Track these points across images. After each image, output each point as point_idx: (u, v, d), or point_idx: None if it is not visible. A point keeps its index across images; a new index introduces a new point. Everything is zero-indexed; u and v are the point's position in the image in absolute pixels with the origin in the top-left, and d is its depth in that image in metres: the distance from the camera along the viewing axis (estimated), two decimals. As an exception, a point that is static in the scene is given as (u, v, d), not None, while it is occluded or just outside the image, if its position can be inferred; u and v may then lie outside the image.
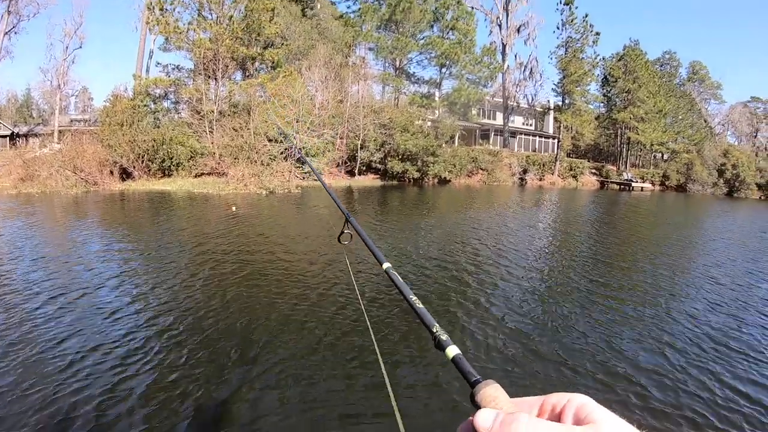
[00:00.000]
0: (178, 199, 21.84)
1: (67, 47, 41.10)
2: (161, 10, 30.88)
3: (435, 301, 8.12)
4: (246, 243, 12.28)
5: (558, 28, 47.65)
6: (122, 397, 4.79)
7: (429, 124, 40.82)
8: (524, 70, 52.49)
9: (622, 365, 5.79)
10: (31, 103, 56.60)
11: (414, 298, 1.05)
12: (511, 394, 0.67)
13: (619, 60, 51.72)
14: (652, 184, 50.58)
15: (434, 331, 0.91)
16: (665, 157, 58.06)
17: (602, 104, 55.23)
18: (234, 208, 18.70)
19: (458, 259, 11.27)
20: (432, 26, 44.58)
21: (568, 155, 53.57)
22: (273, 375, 5.41)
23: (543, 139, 55.46)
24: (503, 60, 51.02)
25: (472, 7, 46.62)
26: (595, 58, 48.83)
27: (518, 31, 51.14)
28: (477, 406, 0.67)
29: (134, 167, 26.90)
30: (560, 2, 47.14)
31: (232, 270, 9.59)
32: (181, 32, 31.70)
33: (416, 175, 36.08)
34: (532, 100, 54.26)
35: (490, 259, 11.53)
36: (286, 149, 29.12)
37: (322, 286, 8.70)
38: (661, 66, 63.10)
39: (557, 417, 0.62)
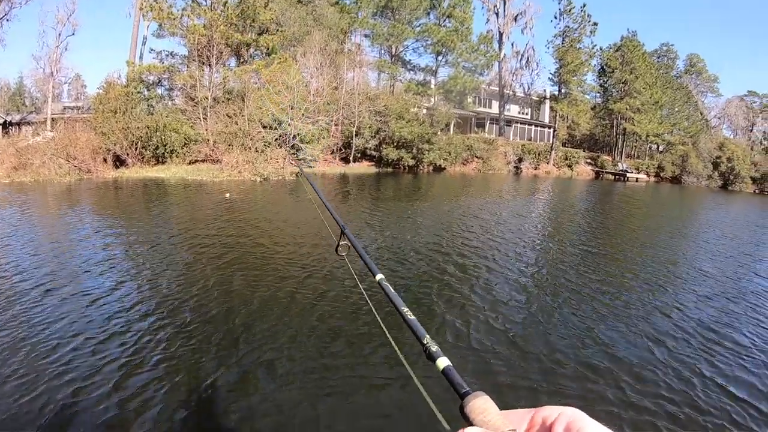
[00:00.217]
0: (171, 186, 21.74)
1: (59, 34, 40.53)
2: (154, -5, 30.57)
3: (420, 291, 8.08)
4: (240, 229, 12.29)
5: (555, 17, 47.53)
6: (111, 381, 4.79)
7: (424, 111, 40.69)
8: (521, 58, 52.33)
9: (609, 363, 5.72)
10: (24, 91, 56.07)
11: (405, 309, 1.08)
12: (499, 397, 0.69)
13: (617, 51, 51.60)
14: (647, 175, 50.73)
15: (425, 342, 0.93)
16: (661, 148, 58.11)
17: (598, 94, 55.18)
18: (228, 195, 18.63)
19: (448, 249, 11.23)
20: (428, 13, 44.35)
21: (564, 145, 53.54)
22: (272, 354, 5.46)
23: (539, 128, 55.39)
24: (500, 48, 50.85)
25: (470, -5, 46.27)
26: (592, 48, 48.75)
27: (515, 19, 50.93)
28: (466, 418, 0.66)
29: (128, 154, 26.68)
30: (558, -9, 46.87)
31: (226, 255, 9.60)
32: (174, 18, 31.36)
33: (411, 162, 36.05)
34: (529, 89, 54.14)
35: (479, 248, 11.49)
36: (280, 136, 28.96)
37: (318, 267, 8.76)
38: (659, 58, 63.06)
39: (547, 431, 0.60)
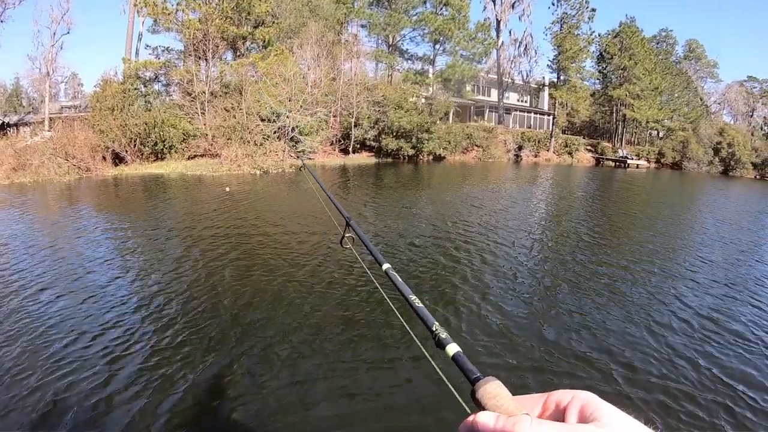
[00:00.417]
0: (171, 181, 21.68)
1: (54, 33, 40.32)
2: (148, -10, 30.37)
3: (422, 279, 8.04)
4: (240, 222, 12.26)
5: (553, 4, 47.12)
6: (110, 376, 4.79)
7: (423, 101, 40.52)
8: (519, 46, 52.12)
9: (606, 350, 5.66)
10: (21, 91, 55.82)
11: (413, 297, 1.09)
12: (505, 381, 0.69)
13: (615, 37, 51.24)
14: (648, 161, 50.61)
15: (434, 329, 0.92)
16: (661, 134, 57.92)
17: (598, 81, 54.87)
18: (228, 189, 18.55)
19: (448, 238, 11.20)
20: (425, 2, 43.93)
21: (564, 132, 53.37)
22: (280, 347, 5.43)
23: (538, 116, 55.22)
24: (498, 36, 50.61)
25: (466, -18, 45.97)
26: (591, 35, 48.38)
27: (513, 6, 50.65)
28: (478, 404, 0.66)
29: (126, 151, 26.58)
30: (555, -22, 46.57)
31: (227, 248, 9.59)
32: (169, 13, 31.20)
33: (411, 152, 35.92)
34: (527, 76, 53.95)
35: (478, 237, 11.42)
36: (279, 128, 28.84)
37: (322, 256, 8.75)
38: (657, 44, 62.66)
39: (561, 414, 0.60)
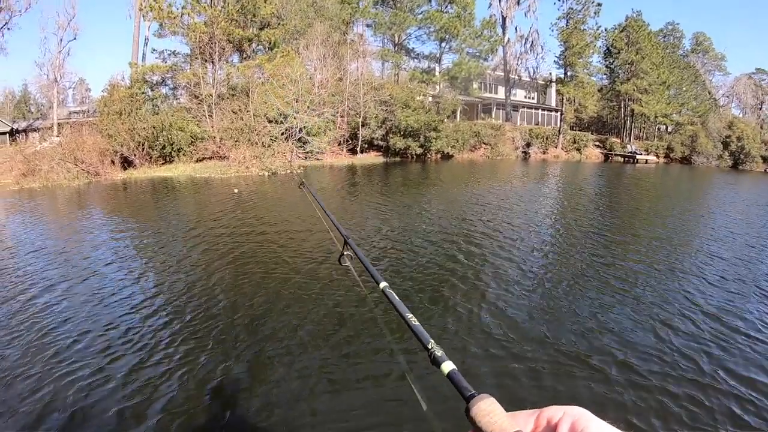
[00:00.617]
0: (180, 184, 21.73)
1: (61, 40, 40.64)
2: (154, -5, 30.46)
3: (429, 279, 7.94)
4: (248, 224, 12.23)
5: (559, -1, 46.95)
6: (118, 377, 4.79)
7: (430, 99, 40.48)
8: (525, 42, 51.75)
9: (616, 351, 5.52)
10: (29, 98, 56.42)
11: (410, 315, 1.09)
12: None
13: (622, 31, 50.91)
14: (657, 156, 50.25)
15: (429, 347, 0.93)
16: (669, 129, 57.52)
17: (605, 76, 54.58)
18: (236, 191, 18.55)
19: (456, 237, 11.11)
20: (430, 0, 43.88)
21: (572, 128, 53.09)
22: (279, 347, 5.42)
23: (546, 112, 54.97)
24: (504, 33, 50.30)
25: (471, -21, 45.79)
26: (597, 30, 48.09)
27: (518, 2, 50.31)
28: (472, 421, 0.67)
29: (135, 155, 26.67)
30: (560, -27, 46.33)
31: (234, 251, 9.58)
32: (175, 17, 31.29)
33: (419, 151, 35.78)
34: (534, 72, 53.59)
35: (486, 235, 11.33)
36: (286, 130, 28.84)
37: (324, 263, 8.68)
38: (664, 37, 62.17)
39: (553, 430, 0.61)
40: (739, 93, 67.96)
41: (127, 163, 26.70)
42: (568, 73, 47.35)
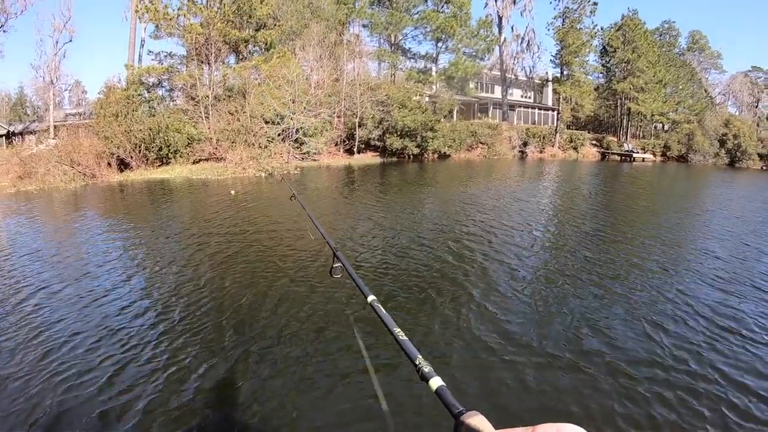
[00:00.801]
0: (176, 186, 21.70)
1: (57, 42, 40.50)
2: (149, -4, 30.43)
3: (424, 281, 7.90)
4: (245, 227, 12.16)
5: (554, -2, 47.08)
6: (109, 378, 4.82)
7: (427, 99, 40.53)
8: (521, 42, 51.86)
9: (609, 353, 5.49)
10: (25, 100, 56.22)
11: (398, 330, 1.10)
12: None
13: (618, 30, 51.00)
14: (654, 154, 50.33)
15: (417, 363, 0.92)
16: (666, 127, 57.67)
17: (601, 75, 54.67)
18: (233, 192, 18.52)
19: (450, 237, 11.08)
20: (426, 0, 43.92)
21: (568, 127, 53.19)
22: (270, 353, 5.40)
23: (542, 112, 55.05)
24: (500, 32, 50.38)
25: (466, -21, 45.86)
26: (593, 29, 48.31)
27: (514, 2, 50.41)
28: None
29: (131, 157, 26.60)
30: (556, -28, 46.47)
31: (230, 253, 9.53)
32: (171, 18, 31.23)
33: (416, 151, 35.81)
34: (530, 72, 53.71)
35: (482, 235, 11.29)
36: (283, 130, 28.84)
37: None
38: (660, 36, 62.30)
39: None
40: (736, 91, 68.07)
41: (123, 165, 26.64)
42: (565, 72, 47.51)
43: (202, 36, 30.28)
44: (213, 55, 30.80)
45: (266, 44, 33.85)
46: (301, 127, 29.20)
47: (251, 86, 30.38)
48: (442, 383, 0.83)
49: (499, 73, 51.37)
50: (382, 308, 1.26)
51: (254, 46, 34.81)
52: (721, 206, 18.26)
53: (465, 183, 22.92)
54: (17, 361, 5.15)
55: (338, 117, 34.64)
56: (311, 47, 32.98)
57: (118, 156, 26.27)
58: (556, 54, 48.03)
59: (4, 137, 39.46)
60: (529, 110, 54.25)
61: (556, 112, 50.69)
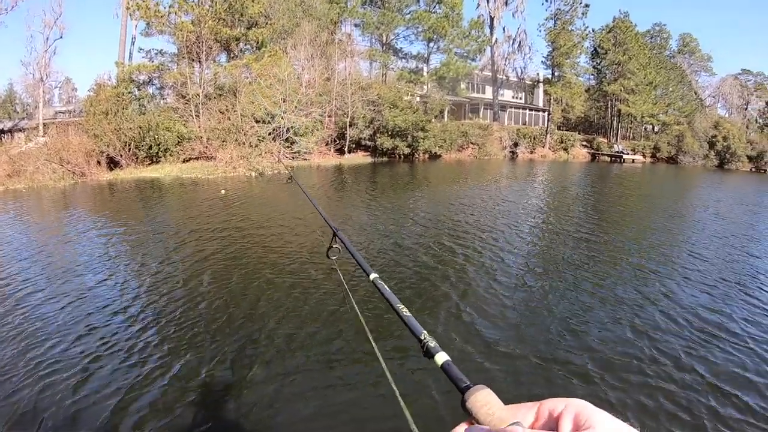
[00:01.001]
0: (166, 185, 21.65)
1: (47, 38, 40.25)
2: (141, -7, 30.29)
3: (416, 279, 8.01)
4: (234, 226, 12.20)
5: (546, 0, 47.23)
6: (94, 378, 4.83)
7: (418, 99, 40.58)
8: (513, 43, 52.10)
9: (595, 353, 5.56)
10: (15, 97, 55.71)
11: (401, 306, 1.08)
12: (494, 386, 0.67)
13: (609, 32, 51.31)
14: (643, 156, 50.73)
15: (422, 338, 0.91)
16: (656, 129, 58.11)
17: (592, 76, 55.05)
18: (223, 192, 18.50)
19: (439, 238, 11.18)
20: (418, 0, 43.96)
21: (559, 128, 53.48)
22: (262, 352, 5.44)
23: (533, 112, 55.30)
24: (491, 33, 50.55)
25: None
26: (585, 30, 48.54)
27: (506, 3, 50.59)
28: (468, 413, 0.64)
29: (121, 156, 26.49)
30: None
31: (214, 254, 9.55)
32: (162, 16, 31.09)
33: (406, 151, 35.89)
34: (522, 73, 53.96)
35: (469, 237, 11.38)
36: (274, 130, 28.81)
37: (308, 264, 8.79)
38: (651, 38, 62.84)
39: (555, 422, 0.58)
40: (725, 93, 68.75)
41: (113, 163, 26.52)
42: (556, 74, 47.71)
43: (193, 34, 30.17)
44: (204, 53, 30.71)
45: (257, 43, 33.76)
46: (291, 127, 29.19)
47: (242, 85, 30.30)
48: (448, 358, 0.83)
49: (490, 74, 51.52)
50: (385, 286, 1.26)
51: (245, 45, 34.70)
52: (710, 208, 18.47)
53: (456, 184, 23.05)
54: (5, 362, 5.14)
55: (329, 116, 34.62)
56: (303, 46, 32.96)
57: (108, 154, 26.15)
58: (548, 55, 48.29)
59: (-7, 134, 39.17)
60: (520, 111, 54.48)
61: (546, 113, 50.93)
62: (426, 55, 46.34)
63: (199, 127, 29.33)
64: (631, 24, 51.25)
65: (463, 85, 48.65)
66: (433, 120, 38.86)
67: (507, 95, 55.42)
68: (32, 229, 12.46)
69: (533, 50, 69.03)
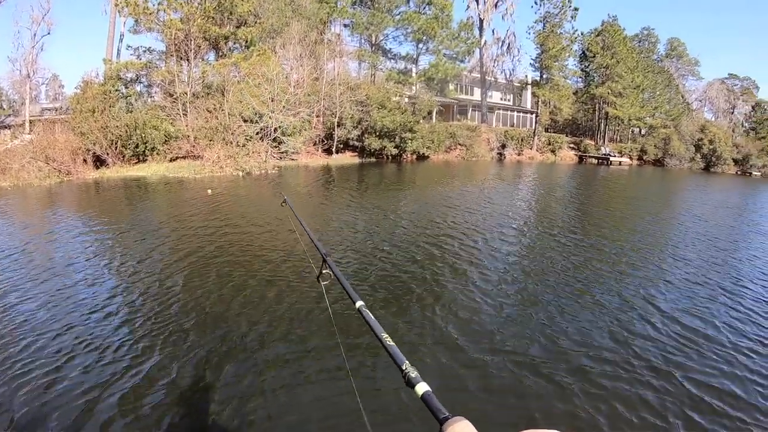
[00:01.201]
0: (153, 184, 21.58)
1: (35, 34, 39.80)
2: (129, -10, 30.12)
3: (399, 284, 7.99)
4: (220, 227, 12.18)
5: (536, 2, 47.77)
6: (79, 379, 4.82)
7: (406, 100, 40.70)
8: (502, 45, 52.56)
9: (578, 357, 5.57)
10: (1, 94, 55.16)
11: (385, 335, 1.09)
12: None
13: (598, 35, 51.78)
14: (630, 158, 51.31)
15: (404, 368, 0.92)
16: (643, 132, 58.73)
17: (580, 79, 55.45)
18: (210, 191, 18.48)
19: (424, 240, 11.23)
20: (408, 1, 44.08)
21: (547, 130, 53.93)
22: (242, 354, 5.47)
23: (521, 114, 55.65)
24: (480, 35, 50.82)
25: (449, -19, 46.10)
26: (574, 34, 48.98)
27: (496, 6, 50.91)
28: None
29: (108, 154, 26.33)
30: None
31: (203, 254, 9.57)
32: (151, 13, 30.91)
33: (394, 151, 36.02)
34: (510, 75, 54.43)
35: (453, 239, 11.38)
36: (261, 129, 28.80)
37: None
38: (639, 42, 63.46)
39: None
40: (712, 97, 69.57)
41: (99, 162, 26.37)
42: (544, 76, 48.05)
43: (182, 32, 30.04)
44: (192, 51, 30.59)
45: (246, 42, 33.67)
46: (279, 126, 29.22)
47: (230, 84, 30.25)
48: (428, 389, 0.85)
49: (479, 76, 51.81)
50: (370, 314, 1.27)
51: (234, 43, 34.59)
52: (694, 210, 18.63)
53: (443, 185, 23.13)
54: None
55: (317, 116, 34.66)
56: (292, 46, 32.98)
57: (94, 152, 25.99)
58: (536, 58, 48.65)
59: (-22, 131, 38.80)
60: (508, 113, 54.80)
61: (534, 115, 51.31)
62: (415, 56, 46.54)
63: (186, 125, 29.23)
64: (620, 28, 51.75)
65: (451, 87, 48.92)
66: (421, 121, 39.04)
67: (495, 97, 55.74)
68: (15, 228, 12.43)
69: (522, 52, 69.51)
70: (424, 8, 43.86)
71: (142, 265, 8.71)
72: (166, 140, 27.95)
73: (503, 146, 45.75)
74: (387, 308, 6.88)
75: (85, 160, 25.45)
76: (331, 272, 1.97)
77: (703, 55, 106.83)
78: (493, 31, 52.96)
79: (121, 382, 4.75)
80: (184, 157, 28.11)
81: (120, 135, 26.35)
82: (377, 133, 34.86)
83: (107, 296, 7.14)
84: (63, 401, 4.44)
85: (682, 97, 63.31)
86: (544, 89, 47.02)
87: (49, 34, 40.61)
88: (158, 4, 30.96)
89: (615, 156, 49.00)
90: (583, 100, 55.42)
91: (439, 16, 43.03)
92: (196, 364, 5.15)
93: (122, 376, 4.87)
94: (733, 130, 59.97)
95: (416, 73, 45.00)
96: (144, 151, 27.21)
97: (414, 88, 43.63)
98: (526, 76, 54.10)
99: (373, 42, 45.17)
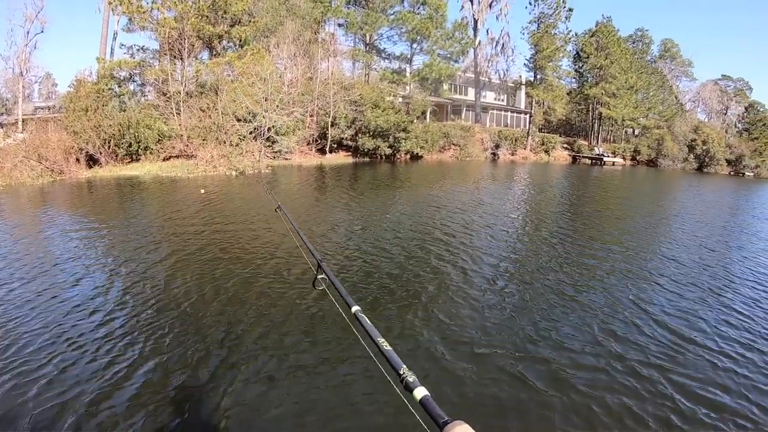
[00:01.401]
0: (146, 183, 21.54)
1: (28, 32, 39.75)
2: (123, -12, 30.06)
3: (392, 285, 7.98)
4: (213, 225, 12.22)
5: (530, 3, 47.87)
6: (69, 381, 4.80)
7: (400, 100, 40.80)
8: (496, 45, 52.70)
9: (562, 359, 5.57)
10: (-7, 91, 54.92)
11: (381, 340, 1.10)
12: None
13: (592, 36, 52.04)
14: (624, 158, 51.57)
15: (401, 372, 0.92)
16: (636, 132, 59.00)
17: (574, 80, 55.70)
18: (203, 191, 18.48)
19: (416, 240, 11.27)
20: (402, 1, 44.11)
21: (540, 130, 54.09)
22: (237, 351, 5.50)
23: (515, 114, 55.78)
24: (475, 35, 50.96)
25: (443, -18, 46.16)
26: (568, 34, 49.17)
27: (490, 6, 51.00)
28: None
29: (101, 153, 26.23)
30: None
31: (197, 253, 9.57)
32: (144, 11, 30.81)
33: (388, 151, 36.05)
34: (504, 75, 54.55)
35: (444, 239, 11.40)
36: (255, 128, 28.79)
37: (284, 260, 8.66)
38: (633, 43, 63.76)
39: None
40: (705, 98, 69.87)
41: (92, 161, 26.27)
42: (538, 76, 48.24)
43: (176, 30, 29.98)
44: (186, 50, 30.52)
45: (240, 41, 33.64)
46: (273, 126, 29.22)
47: (224, 83, 30.22)
48: (427, 393, 0.85)
49: (473, 76, 51.93)
50: (366, 319, 1.27)
51: (228, 42, 34.54)
52: (687, 211, 18.73)
53: (437, 185, 23.16)
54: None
55: (311, 116, 34.63)
56: (286, 45, 32.96)
57: (87, 152, 25.90)
58: (530, 58, 48.83)
59: (-30, 129, 38.63)
60: (502, 113, 54.92)
61: (528, 115, 51.52)
62: (409, 56, 46.64)
63: (179, 125, 29.18)
64: (614, 29, 52.02)
65: (445, 87, 48.99)
66: (415, 121, 39.04)
67: (489, 97, 55.87)
68: (7, 227, 12.39)
69: (516, 53, 69.73)
70: (419, 8, 43.91)
71: (134, 265, 8.69)
72: (159, 139, 27.87)
73: (497, 146, 45.84)
74: (380, 311, 6.88)
75: (78, 159, 25.36)
76: (326, 277, 1.99)
77: (697, 56, 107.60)
78: (487, 32, 53.15)
79: (114, 386, 4.69)
80: (177, 157, 28.06)
81: (113, 134, 26.28)
82: (371, 133, 34.87)
83: (100, 298, 7.06)
84: (53, 405, 4.38)
85: (676, 97, 63.66)
86: (538, 89, 47.20)
87: (42, 32, 40.55)
88: (152, 2, 30.86)
89: (608, 156, 49.25)
90: (577, 101, 55.64)
91: (433, 16, 43.09)
92: (190, 366, 5.11)
93: (115, 379, 4.81)
94: (726, 131, 60.45)
95: (410, 73, 45.06)
96: (137, 151, 27.14)
97: (408, 87, 43.71)
98: (520, 76, 54.27)
99: (367, 42, 45.17)
